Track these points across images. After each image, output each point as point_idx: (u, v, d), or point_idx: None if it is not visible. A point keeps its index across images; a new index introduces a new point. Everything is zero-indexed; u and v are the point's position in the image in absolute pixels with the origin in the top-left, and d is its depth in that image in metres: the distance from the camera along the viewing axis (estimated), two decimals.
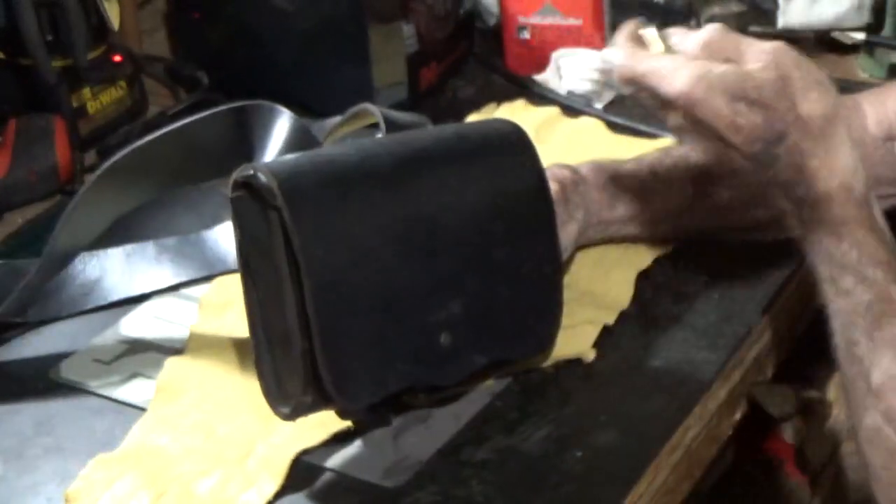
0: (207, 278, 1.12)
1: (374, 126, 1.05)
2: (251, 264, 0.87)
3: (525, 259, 0.91)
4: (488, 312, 0.89)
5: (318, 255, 0.82)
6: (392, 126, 1.00)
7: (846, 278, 0.83)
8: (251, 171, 0.84)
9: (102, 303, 1.10)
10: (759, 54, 0.86)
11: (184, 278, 1.12)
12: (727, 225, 1.10)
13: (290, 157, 0.88)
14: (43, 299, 1.08)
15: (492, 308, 0.89)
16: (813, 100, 0.86)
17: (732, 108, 0.84)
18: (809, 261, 0.87)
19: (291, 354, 0.85)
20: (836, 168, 0.85)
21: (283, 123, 1.05)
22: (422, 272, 0.86)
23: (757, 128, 0.85)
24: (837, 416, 1.19)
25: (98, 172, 1.03)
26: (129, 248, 1.13)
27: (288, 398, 0.87)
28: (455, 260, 0.88)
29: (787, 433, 1.26)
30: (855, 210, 0.85)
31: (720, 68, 0.85)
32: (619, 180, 1.08)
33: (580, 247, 1.09)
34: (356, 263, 0.83)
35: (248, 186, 0.85)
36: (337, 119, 1.15)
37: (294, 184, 0.83)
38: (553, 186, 1.02)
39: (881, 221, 0.86)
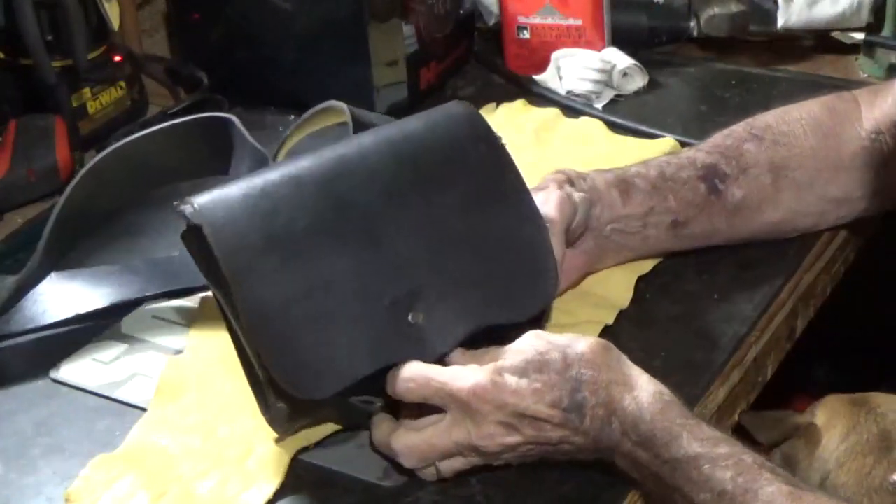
0: (177, 292, 1.10)
1: (342, 125, 1.05)
2: (213, 290, 0.89)
3: (496, 225, 0.91)
4: (463, 283, 0.88)
5: (245, 265, 0.83)
6: (360, 125, 1.00)
7: (702, 467, 0.82)
8: (179, 208, 0.85)
9: (63, 318, 1.08)
10: (522, 344, 0.87)
11: (151, 292, 1.10)
12: (741, 226, 1.10)
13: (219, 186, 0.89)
14: (12, 314, 1.07)
15: (466, 278, 0.89)
16: (582, 340, 0.87)
17: (527, 381, 0.85)
18: (652, 474, 0.85)
19: (259, 364, 0.86)
20: (637, 385, 0.85)
21: (245, 146, 1.06)
22: (362, 260, 0.86)
23: (556, 384, 0.85)
24: (827, 443, 1.18)
25: (81, 173, 1.05)
26: (98, 268, 1.12)
27: (272, 412, 0.88)
28: (402, 241, 0.87)
29: (776, 460, 1.25)
30: (677, 408, 0.85)
31: (505, 360, 0.86)
32: (627, 179, 1.08)
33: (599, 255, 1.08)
34: (286, 262, 0.84)
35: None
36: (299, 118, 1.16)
37: (216, 206, 0.85)
38: (557, 175, 1.03)
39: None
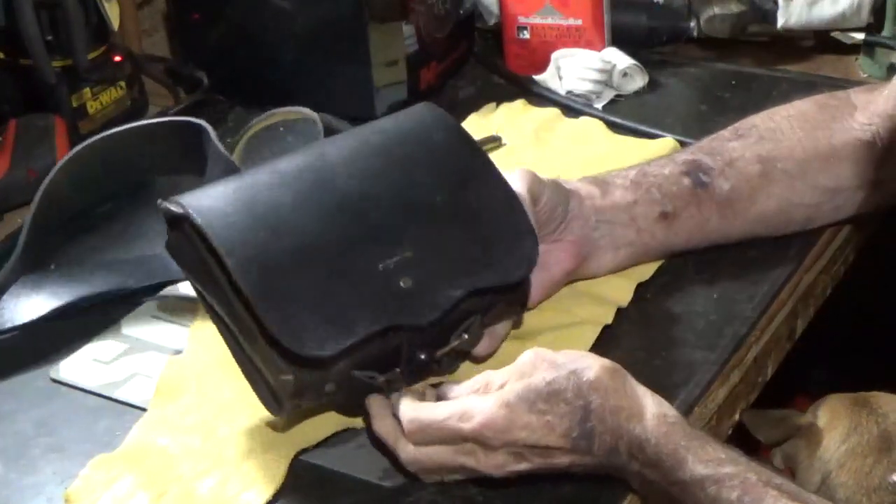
0: (153, 287, 1.11)
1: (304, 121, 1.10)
2: (205, 295, 0.91)
3: (471, 198, 0.94)
4: (446, 251, 0.92)
5: (236, 240, 0.86)
6: (328, 131, 1.06)
7: (708, 488, 0.83)
8: (163, 206, 0.89)
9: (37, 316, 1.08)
10: (522, 367, 0.88)
11: (125, 286, 1.11)
12: (735, 219, 1.09)
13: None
14: None
15: (448, 246, 0.92)
16: (589, 365, 0.87)
17: (537, 415, 0.85)
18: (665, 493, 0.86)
19: (258, 345, 0.87)
20: (643, 408, 0.86)
21: (219, 157, 1.09)
22: (348, 231, 0.90)
23: (565, 414, 0.85)
24: (828, 444, 1.18)
25: (56, 167, 1.08)
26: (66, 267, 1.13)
27: (276, 392, 0.88)
28: (386, 215, 0.91)
29: (777, 459, 1.25)
30: (681, 429, 0.86)
31: (512, 389, 0.86)
32: (604, 178, 1.08)
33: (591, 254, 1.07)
34: (276, 234, 0.88)
35: (171, 222, 0.90)
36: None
37: (199, 198, 0.89)
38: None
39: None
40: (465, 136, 0.98)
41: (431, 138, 0.97)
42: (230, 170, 1.06)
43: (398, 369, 0.90)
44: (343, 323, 0.86)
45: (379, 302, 0.88)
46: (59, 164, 1.07)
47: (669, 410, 0.87)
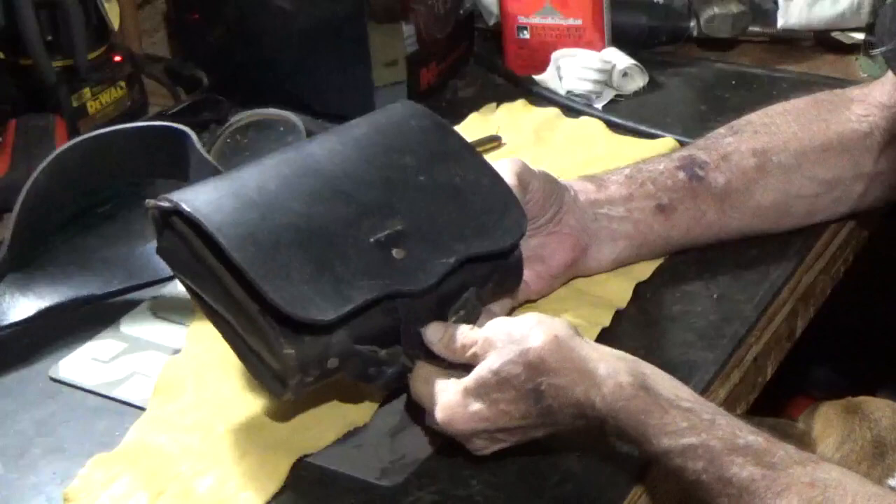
0: (136, 287, 1.12)
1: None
2: (200, 293, 0.92)
3: (454, 176, 0.96)
4: (437, 222, 0.93)
5: (227, 221, 0.87)
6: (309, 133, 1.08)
7: (673, 460, 0.83)
8: (151, 203, 0.90)
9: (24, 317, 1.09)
10: (484, 343, 0.88)
11: (111, 289, 1.12)
12: (733, 212, 1.09)
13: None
14: None
15: (438, 218, 0.94)
16: (535, 340, 0.86)
17: (489, 404, 0.86)
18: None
19: (257, 327, 0.87)
20: (597, 379, 0.85)
21: (203, 162, 1.10)
22: (337, 208, 0.91)
23: (518, 399, 0.86)
24: (822, 452, 1.18)
25: (42, 165, 1.08)
26: (51, 268, 1.14)
27: (278, 371, 0.88)
28: (373, 194, 0.93)
29: None
30: (639, 399, 0.84)
31: (467, 383, 0.87)
32: (598, 175, 1.08)
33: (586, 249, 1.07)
34: (266, 215, 0.89)
35: (159, 223, 0.91)
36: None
37: (185, 193, 0.90)
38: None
39: (660, 383, 0.85)
40: (441, 122, 1.00)
41: (409, 125, 0.99)
42: (214, 174, 1.06)
43: (399, 346, 0.91)
44: (340, 292, 0.87)
45: (374, 272, 0.89)
46: (42, 165, 1.07)
47: (625, 376, 0.84)
